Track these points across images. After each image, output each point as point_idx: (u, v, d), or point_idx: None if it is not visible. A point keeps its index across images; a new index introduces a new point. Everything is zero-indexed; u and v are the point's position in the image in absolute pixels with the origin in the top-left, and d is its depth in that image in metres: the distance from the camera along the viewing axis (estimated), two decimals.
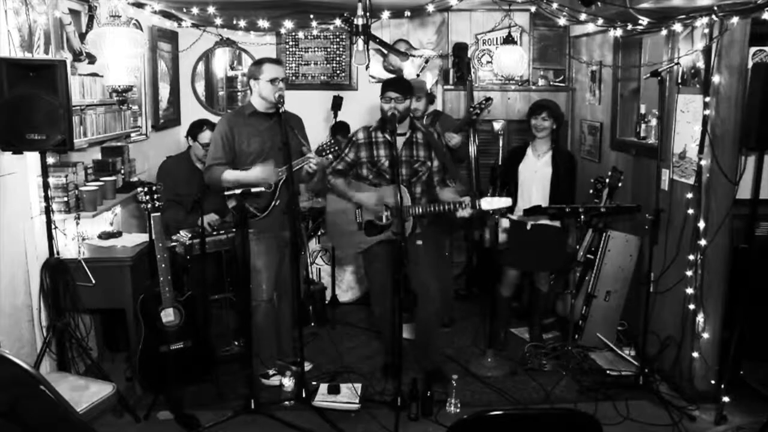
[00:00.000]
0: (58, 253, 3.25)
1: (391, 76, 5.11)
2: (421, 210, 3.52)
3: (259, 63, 3.60)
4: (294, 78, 5.65)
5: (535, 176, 4.05)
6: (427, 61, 5.30)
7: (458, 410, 3.50)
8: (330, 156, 3.67)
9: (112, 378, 3.30)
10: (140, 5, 4.26)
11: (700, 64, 3.55)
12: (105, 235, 3.78)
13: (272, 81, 3.51)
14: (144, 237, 3.79)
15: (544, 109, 4.01)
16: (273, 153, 3.57)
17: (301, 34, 5.54)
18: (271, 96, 3.50)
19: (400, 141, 3.58)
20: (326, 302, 4.91)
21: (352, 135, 3.76)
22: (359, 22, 3.63)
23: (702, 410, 3.50)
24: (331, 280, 5.00)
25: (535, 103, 4.18)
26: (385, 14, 4.53)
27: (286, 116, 3.47)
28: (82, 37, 3.74)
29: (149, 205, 3.32)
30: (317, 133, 5.13)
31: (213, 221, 4.03)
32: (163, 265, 3.32)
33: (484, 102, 4.29)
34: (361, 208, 3.66)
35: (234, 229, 3.88)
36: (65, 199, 3.46)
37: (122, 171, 4.14)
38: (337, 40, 5.65)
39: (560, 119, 4.07)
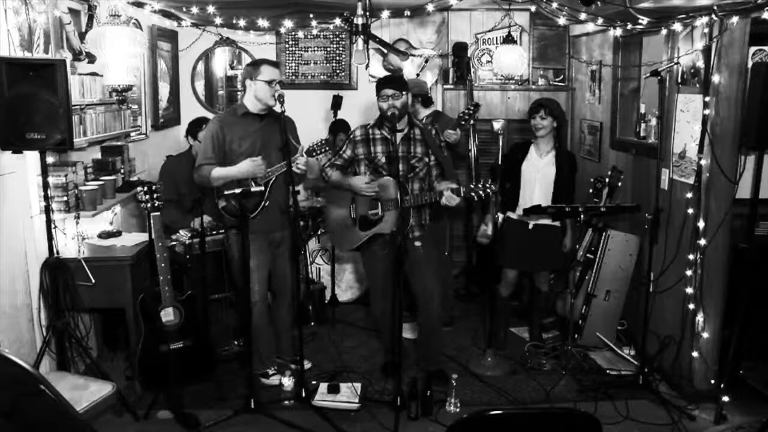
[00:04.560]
0: (57, 253, 3.25)
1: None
2: (412, 201, 3.52)
3: (256, 64, 3.57)
4: (294, 77, 5.64)
5: (538, 175, 4.05)
6: (426, 61, 5.30)
7: (458, 410, 3.50)
8: (320, 157, 3.66)
9: (112, 377, 3.31)
10: (140, 4, 4.25)
11: (700, 64, 3.55)
12: (105, 235, 3.78)
13: (269, 83, 3.48)
14: (144, 236, 3.79)
15: (541, 108, 4.00)
16: (264, 154, 3.55)
17: (300, 34, 5.53)
18: (266, 98, 3.49)
19: (398, 137, 3.58)
20: (326, 302, 4.91)
21: (350, 133, 3.77)
22: (359, 21, 3.63)
23: (702, 410, 3.50)
24: (330, 280, 5.00)
25: (533, 102, 4.17)
26: (385, 14, 4.53)
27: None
28: (82, 36, 3.74)
29: (149, 205, 3.32)
30: (317, 132, 5.13)
31: (207, 222, 4.01)
32: (163, 265, 3.32)
33: (472, 109, 4.24)
34: (355, 202, 3.66)
35: (224, 230, 3.85)
36: (65, 198, 3.46)
37: (122, 170, 4.14)
38: (337, 39, 5.64)
39: (560, 118, 4.04)
